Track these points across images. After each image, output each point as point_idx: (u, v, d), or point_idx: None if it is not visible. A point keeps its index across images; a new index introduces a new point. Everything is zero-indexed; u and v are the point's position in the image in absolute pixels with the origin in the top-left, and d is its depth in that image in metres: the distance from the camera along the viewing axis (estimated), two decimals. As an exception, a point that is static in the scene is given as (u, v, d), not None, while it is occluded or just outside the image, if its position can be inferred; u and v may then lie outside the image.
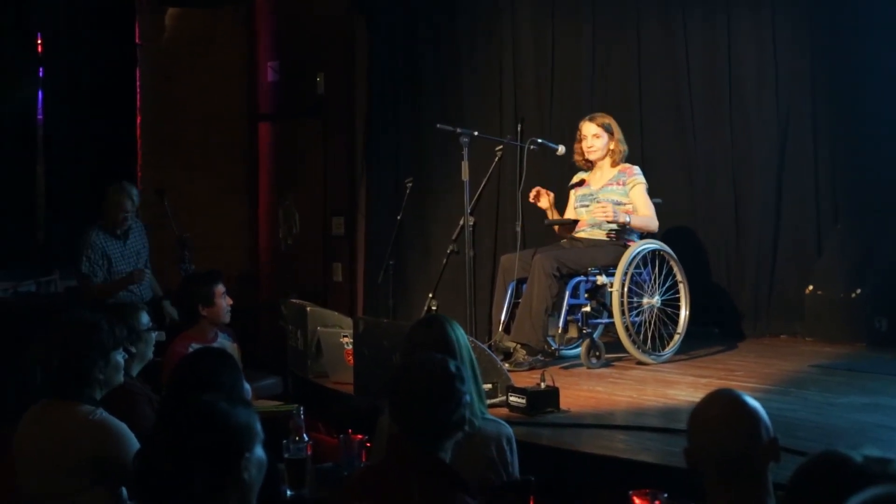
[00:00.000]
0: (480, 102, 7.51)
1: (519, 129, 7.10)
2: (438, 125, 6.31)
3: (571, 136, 6.76)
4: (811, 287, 7.11)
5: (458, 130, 6.15)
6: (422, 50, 7.61)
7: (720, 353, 6.60)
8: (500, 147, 6.71)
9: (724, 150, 7.38)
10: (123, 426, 3.41)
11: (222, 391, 2.62)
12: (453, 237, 6.60)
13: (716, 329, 7.21)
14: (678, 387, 5.50)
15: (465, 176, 6.12)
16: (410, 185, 6.86)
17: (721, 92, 7.36)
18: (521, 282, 6.15)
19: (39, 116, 8.27)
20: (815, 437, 4.24)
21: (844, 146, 7.18)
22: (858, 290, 6.91)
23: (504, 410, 4.77)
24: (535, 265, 6.04)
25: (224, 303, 5.65)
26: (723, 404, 2.54)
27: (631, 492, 3.12)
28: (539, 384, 4.86)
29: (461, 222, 6.31)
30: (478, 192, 6.75)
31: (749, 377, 5.73)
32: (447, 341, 3.48)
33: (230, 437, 2.23)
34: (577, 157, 6.48)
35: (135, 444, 3.34)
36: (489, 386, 4.78)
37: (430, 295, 6.59)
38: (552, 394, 4.85)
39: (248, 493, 2.27)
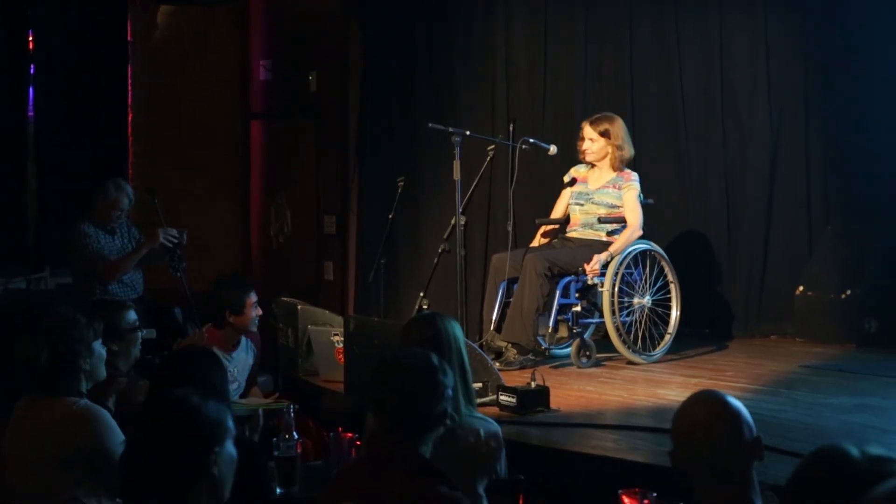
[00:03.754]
0: (473, 102, 7.51)
1: (511, 128, 7.10)
2: (431, 125, 6.31)
3: (563, 136, 6.78)
4: (802, 288, 7.13)
5: (451, 130, 6.16)
6: (415, 49, 7.60)
7: (710, 353, 6.62)
8: (492, 147, 6.71)
9: (716, 153, 7.39)
10: (107, 415, 3.43)
11: (198, 388, 2.62)
12: (445, 236, 6.59)
13: (706, 329, 7.22)
14: (668, 387, 5.52)
15: (457, 175, 6.13)
16: (402, 184, 6.85)
17: (714, 95, 7.37)
18: (512, 281, 6.16)
19: (30, 114, 8.25)
20: (805, 437, 4.26)
21: (836, 149, 7.20)
22: (849, 292, 6.93)
23: (494, 409, 4.78)
24: (526, 265, 6.05)
25: (254, 313, 5.56)
26: (705, 405, 2.56)
27: (620, 491, 3.12)
28: (529, 383, 4.87)
29: (452, 221, 6.31)
30: (469, 192, 6.75)
31: (739, 377, 5.75)
32: (439, 338, 3.48)
33: (198, 431, 2.25)
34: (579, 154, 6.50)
35: (119, 433, 3.35)
36: (479, 385, 4.78)
37: (422, 294, 6.58)
38: (542, 393, 4.86)
39: (219, 488, 2.28)
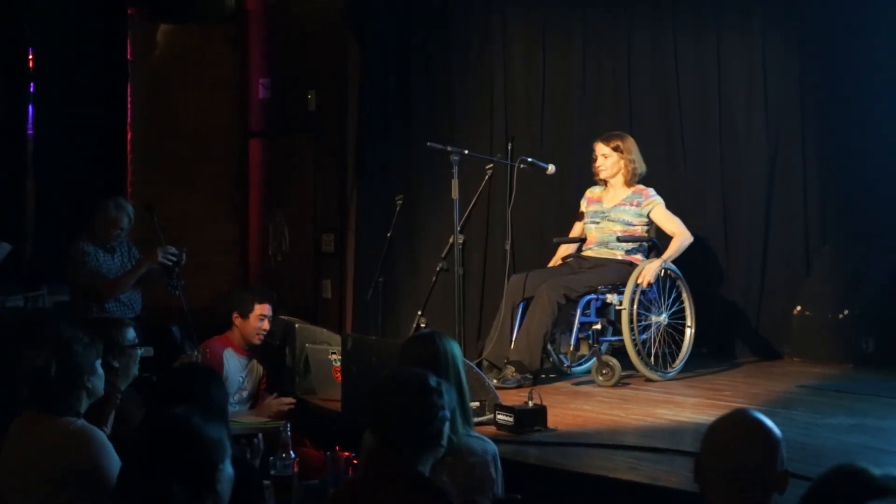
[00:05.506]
0: (471, 121, 7.53)
1: (509, 148, 7.12)
2: (429, 143, 6.32)
3: (562, 156, 6.80)
4: (799, 308, 7.13)
5: (449, 149, 6.17)
6: (414, 68, 7.63)
7: (708, 373, 6.61)
8: (491, 166, 6.73)
9: (713, 171, 7.41)
10: (102, 436, 3.41)
11: (200, 406, 2.63)
12: (443, 255, 6.60)
13: (704, 349, 7.22)
14: (665, 406, 5.52)
15: (455, 194, 6.13)
16: (401, 202, 6.86)
17: (711, 113, 7.39)
18: (528, 300, 6.18)
19: (30, 131, 8.26)
20: (802, 457, 4.24)
21: (833, 168, 7.22)
22: (846, 311, 6.93)
23: (492, 428, 4.78)
24: (541, 290, 6.10)
25: (259, 324, 5.68)
26: (746, 424, 2.49)
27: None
28: (527, 402, 4.87)
29: (451, 240, 6.32)
30: (467, 211, 6.76)
31: (736, 397, 5.74)
32: (438, 357, 3.49)
33: (203, 451, 2.26)
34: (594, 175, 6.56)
35: (114, 454, 3.34)
36: (477, 404, 4.78)
37: (419, 312, 6.58)
38: (540, 412, 4.86)
39: None
